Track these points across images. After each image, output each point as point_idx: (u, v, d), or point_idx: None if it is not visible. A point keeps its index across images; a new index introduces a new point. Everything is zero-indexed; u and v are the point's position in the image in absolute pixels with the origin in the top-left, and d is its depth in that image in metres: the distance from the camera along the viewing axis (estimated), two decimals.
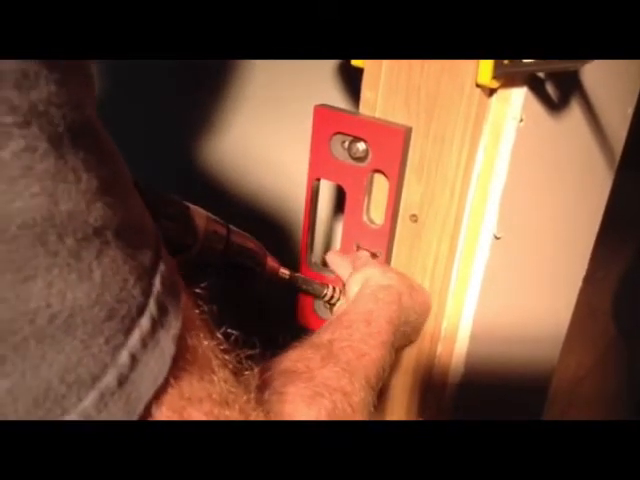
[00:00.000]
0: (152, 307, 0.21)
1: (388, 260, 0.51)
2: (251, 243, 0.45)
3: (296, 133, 0.62)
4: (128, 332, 0.20)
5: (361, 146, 0.48)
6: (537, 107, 0.47)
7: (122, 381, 0.20)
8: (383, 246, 0.50)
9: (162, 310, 0.22)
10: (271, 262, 0.47)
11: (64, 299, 0.18)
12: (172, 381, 0.22)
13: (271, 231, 0.70)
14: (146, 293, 0.21)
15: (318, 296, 0.51)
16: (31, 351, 0.18)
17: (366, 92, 0.48)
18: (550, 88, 0.48)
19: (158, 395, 0.21)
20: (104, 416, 0.19)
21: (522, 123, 0.45)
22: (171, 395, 0.22)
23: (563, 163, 0.58)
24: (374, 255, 0.51)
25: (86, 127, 0.19)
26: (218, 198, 0.74)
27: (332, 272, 0.54)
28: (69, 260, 0.18)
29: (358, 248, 0.52)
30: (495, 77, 0.41)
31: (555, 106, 0.50)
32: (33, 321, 0.18)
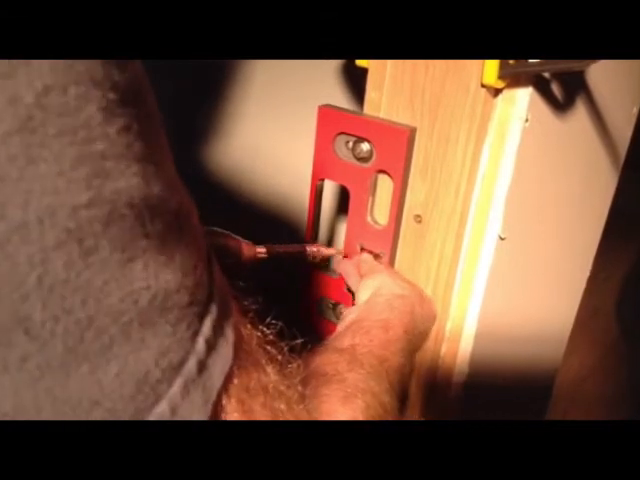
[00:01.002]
0: (216, 293, 0.21)
1: (392, 261, 0.51)
2: (223, 239, 0.44)
3: (300, 133, 0.62)
4: (202, 318, 0.20)
5: (365, 146, 0.48)
6: (542, 107, 0.47)
7: (200, 368, 0.20)
8: (387, 247, 0.50)
9: (222, 297, 0.21)
10: (247, 249, 0.46)
11: (158, 281, 0.18)
12: (236, 371, 0.22)
13: (275, 231, 0.70)
14: (210, 279, 0.21)
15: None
16: (134, 334, 0.18)
17: (371, 92, 0.48)
18: (555, 88, 0.48)
19: (226, 385, 0.21)
20: (187, 404, 0.19)
21: (527, 123, 0.45)
22: (236, 386, 0.22)
23: (568, 163, 0.58)
24: (377, 256, 0.51)
25: (156, 110, 0.19)
26: (220, 198, 0.74)
27: (334, 272, 0.54)
28: (157, 243, 0.18)
29: (362, 249, 0.52)
30: (500, 77, 0.41)
31: (560, 106, 0.49)
32: (137, 302, 0.18)
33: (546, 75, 0.46)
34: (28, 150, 0.15)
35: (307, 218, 0.54)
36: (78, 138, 0.16)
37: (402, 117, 0.46)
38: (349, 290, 0.53)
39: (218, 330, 0.21)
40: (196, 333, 0.20)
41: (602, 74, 0.52)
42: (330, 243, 0.67)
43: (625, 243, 1.80)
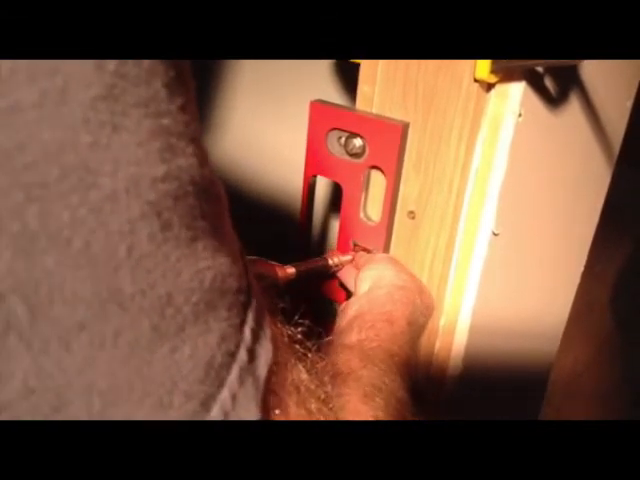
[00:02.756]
0: (253, 287, 0.21)
1: None
2: (258, 266, 0.44)
3: (292, 129, 0.61)
4: (246, 307, 0.20)
5: (358, 142, 0.47)
6: (536, 102, 0.47)
7: (250, 357, 0.20)
8: (380, 243, 0.50)
9: (257, 292, 0.21)
10: (280, 272, 0.46)
11: (215, 263, 0.18)
12: (274, 367, 0.21)
13: (267, 229, 0.70)
14: (246, 272, 0.21)
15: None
16: (201, 315, 0.18)
17: (363, 87, 0.47)
18: (549, 82, 0.48)
19: (268, 380, 0.21)
20: (242, 392, 0.19)
21: (521, 118, 0.44)
22: (274, 383, 0.22)
23: (562, 158, 0.57)
24: (370, 252, 0.51)
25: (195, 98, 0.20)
26: None
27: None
28: (210, 225, 0.18)
29: (355, 245, 0.51)
30: (493, 72, 0.40)
31: (554, 101, 0.49)
32: (202, 282, 0.18)
33: (539, 69, 0.45)
34: (113, 117, 0.15)
35: (300, 214, 0.54)
36: (150, 111, 0.16)
37: (395, 112, 0.46)
38: (342, 287, 0.53)
39: (258, 323, 0.21)
40: (244, 321, 0.20)
41: (596, 68, 0.52)
42: (323, 240, 0.67)
43: (619, 237, 1.81)
